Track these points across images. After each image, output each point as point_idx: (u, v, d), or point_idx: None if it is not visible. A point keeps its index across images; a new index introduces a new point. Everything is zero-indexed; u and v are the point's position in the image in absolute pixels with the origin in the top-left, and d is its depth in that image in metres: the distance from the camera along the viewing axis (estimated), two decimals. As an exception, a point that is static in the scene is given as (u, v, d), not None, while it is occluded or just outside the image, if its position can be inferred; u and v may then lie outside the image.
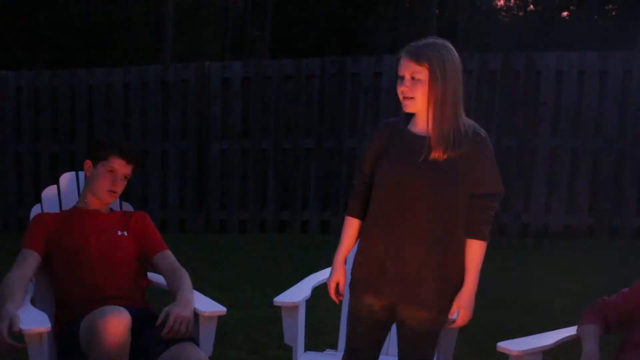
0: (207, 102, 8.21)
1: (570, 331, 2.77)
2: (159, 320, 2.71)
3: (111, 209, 3.18)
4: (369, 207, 2.60)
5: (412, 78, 2.46)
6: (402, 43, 2.59)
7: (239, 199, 8.25)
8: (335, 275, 2.70)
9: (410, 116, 2.56)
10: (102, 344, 2.46)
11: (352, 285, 2.66)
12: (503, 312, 5.00)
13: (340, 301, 2.76)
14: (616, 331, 2.73)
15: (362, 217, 2.65)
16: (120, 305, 2.63)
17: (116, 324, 2.48)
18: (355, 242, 2.71)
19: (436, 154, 2.44)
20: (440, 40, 2.50)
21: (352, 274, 2.67)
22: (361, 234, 2.65)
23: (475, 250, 2.51)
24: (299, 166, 8.13)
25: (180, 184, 8.34)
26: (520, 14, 32.02)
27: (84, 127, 8.39)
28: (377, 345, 2.69)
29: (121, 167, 3.04)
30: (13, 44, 16.61)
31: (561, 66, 7.60)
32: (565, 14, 28.95)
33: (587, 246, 7.20)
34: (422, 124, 2.52)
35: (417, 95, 2.46)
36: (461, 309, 2.52)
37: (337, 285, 2.70)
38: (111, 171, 3.03)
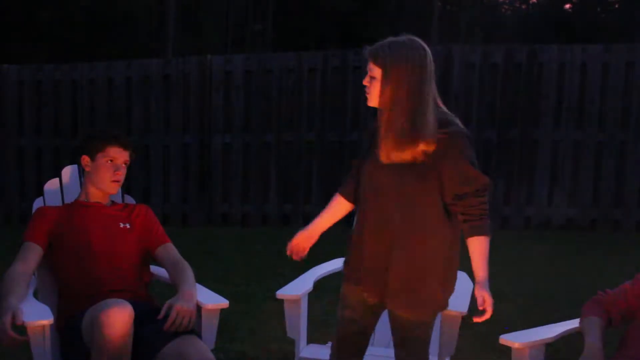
0: (209, 96, 8.20)
1: (573, 324, 2.76)
2: (162, 313, 2.71)
3: (113, 202, 3.18)
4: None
5: (371, 76, 2.50)
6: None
7: (241, 192, 8.25)
8: (300, 237, 2.80)
9: None
10: (104, 337, 2.46)
11: (344, 275, 2.72)
12: (505, 304, 4.99)
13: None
14: (618, 325, 2.72)
15: (348, 198, 2.73)
16: (122, 298, 2.63)
17: (119, 317, 2.48)
18: (335, 220, 2.79)
19: (387, 154, 2.45)
20: (406, 39, 2.47)
21: (343, 265, 2.73)
22: (358, 228, 2.67)
23: (480, 247, 2.50)
24: (301, 160, 8.13)
25: (182, 177, 8.34)
26: (523, 7, 31.95)
27: (85, 120, 8.39)
28: (366, 333, 2.73)
29: (119, 154, 3.04)
30: (15, 39, 16.60)
31: (564, 59, 7.58)
32: (567, 6, 28.87)
33: (590, 239, 7.20)
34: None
35: (372, 93, 2.51)
36: (487, 305, 2.52)
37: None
38: (111, 161, 3.03)
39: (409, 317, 2.56)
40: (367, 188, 2.57)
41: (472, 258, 2.52)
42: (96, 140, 3.07)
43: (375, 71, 2.46)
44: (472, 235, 2.50)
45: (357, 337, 2.71)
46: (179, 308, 2.69)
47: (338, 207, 2.77)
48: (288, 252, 2.82)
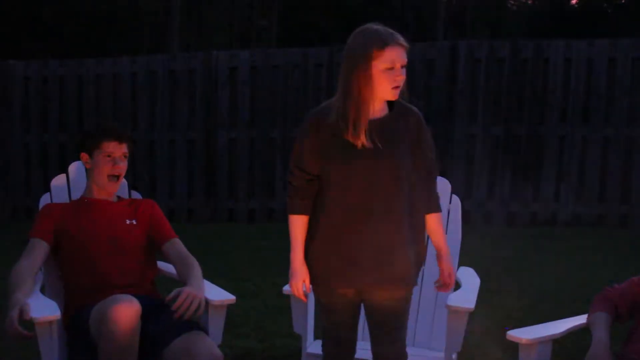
0: (215, 92, 8.20)
1: (580, 319, 2.76)
2: (170, 296, 2.68)
3: (119, 197, 3.18)
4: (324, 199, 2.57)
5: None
6: (410, 31, 2.56)
7: (246, 188, 8.26)
8: (301, 275, 2.61)
9: None
10: (112, 333, 2.46)
11: (321, 279, 2.61)
12: (512, 300, 4.99)
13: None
14: (626, 320, 2.72)
15: (309, 212, 2.63)
16: (129, 293, 2.63)
17: (126, 312, 2.48)
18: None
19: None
20: (365, 26, 2.56)
21: (317, 268, 2.60)
22: (321, 227, 2.57)
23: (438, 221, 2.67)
24: (306, 155, 8.11)
25: (188, 173, 8.35)
26: (529, 2, 31.85)
27: (91, 116, 8.40)
28: (355, 326, 2.73)
29: (116, 148, 3.03)
30: (20, 35, 16.62)
31: (570, 54, 7.57)
32: (574, 1, 28.77)
33: (596, 234, 7.18)
34: None
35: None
36: (451, 273, 2.68)
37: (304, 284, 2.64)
38: (109, 156, 3.03)
39: (385, 295, 2.56)
40: (341, 178, 2.50)
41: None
42: (91, 136, 3.07)
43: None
44: (429, 211, 2.64)
45: (351, 334, 2.71)
46: (189, 292, 2.68)
47: (305, 229, 2.62)
48: (297, 295, 2.65)
